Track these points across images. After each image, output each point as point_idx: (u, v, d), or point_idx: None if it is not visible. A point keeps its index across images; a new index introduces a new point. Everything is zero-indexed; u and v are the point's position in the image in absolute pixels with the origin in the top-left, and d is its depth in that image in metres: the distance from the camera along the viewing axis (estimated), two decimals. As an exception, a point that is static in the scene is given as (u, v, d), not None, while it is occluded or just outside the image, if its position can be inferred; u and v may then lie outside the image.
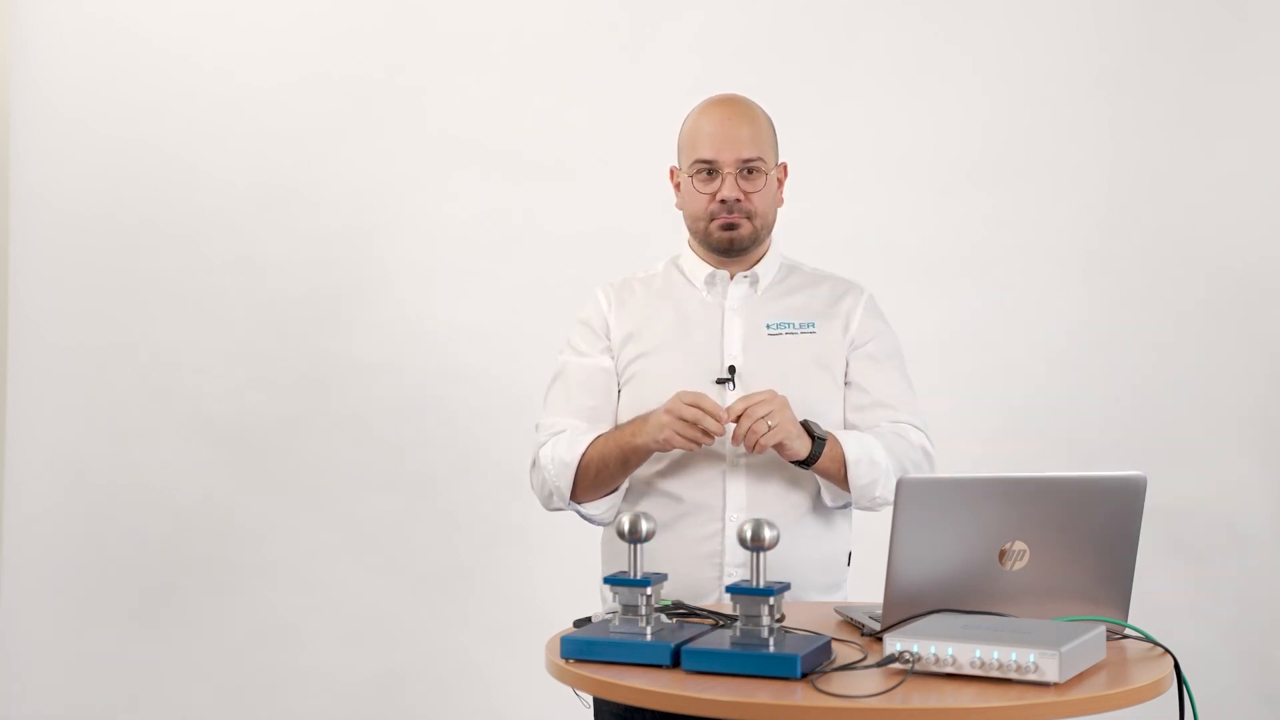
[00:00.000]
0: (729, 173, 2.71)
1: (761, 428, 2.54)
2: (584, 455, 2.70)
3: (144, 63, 4.17)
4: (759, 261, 2.79)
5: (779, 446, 2.58)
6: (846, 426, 2.75)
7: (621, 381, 2.78)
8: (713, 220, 2.73)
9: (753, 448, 2.57)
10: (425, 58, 4.17)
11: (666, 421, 2.58)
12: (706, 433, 2.57)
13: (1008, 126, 4.12)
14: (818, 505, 2.72)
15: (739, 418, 2.56)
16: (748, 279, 2.77)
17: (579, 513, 2.79)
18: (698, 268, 2.80)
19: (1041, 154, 4.11)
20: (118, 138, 4.17)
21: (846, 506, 2.75)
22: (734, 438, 2.58)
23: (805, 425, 2.62)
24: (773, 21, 4.13)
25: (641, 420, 2.66)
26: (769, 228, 2.77)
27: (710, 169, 2.72)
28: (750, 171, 2.71)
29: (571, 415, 2.77)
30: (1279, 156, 4.06)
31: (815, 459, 2.62)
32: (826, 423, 2.69)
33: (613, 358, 2.79)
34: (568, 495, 2.74)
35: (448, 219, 4.17)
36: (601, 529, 2.83)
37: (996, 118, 4.12)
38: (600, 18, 4.17)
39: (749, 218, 2.72)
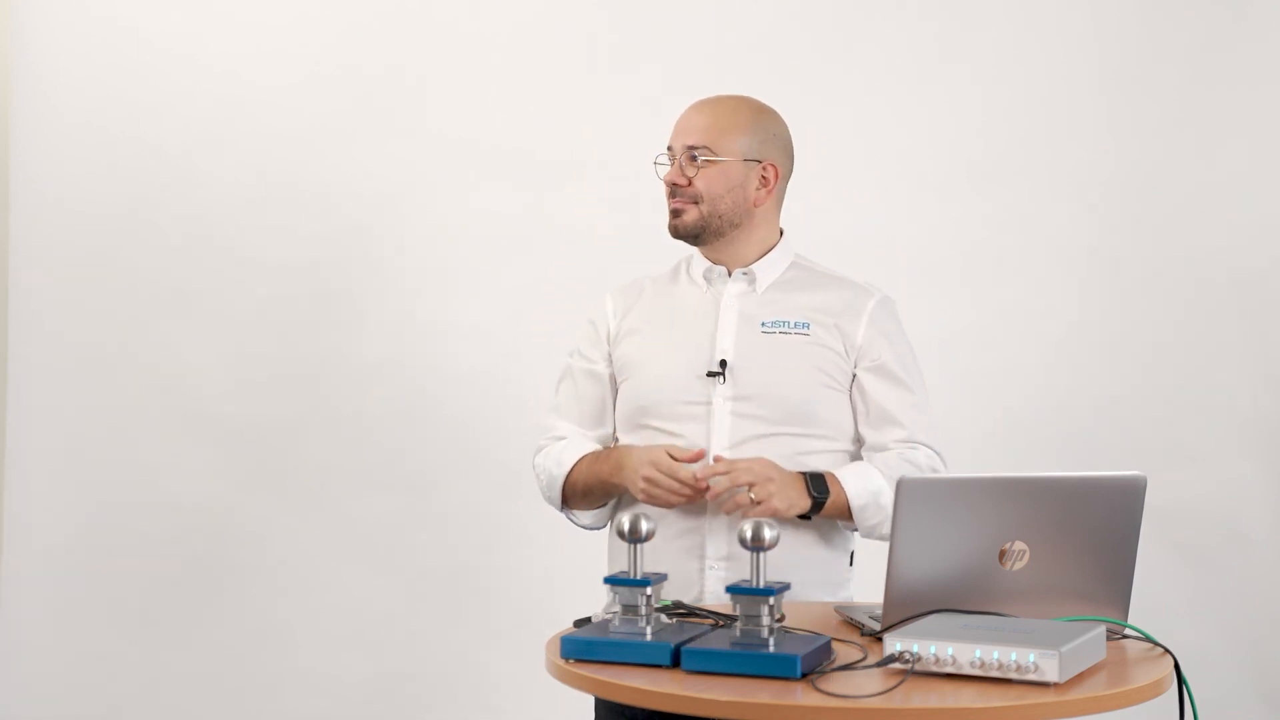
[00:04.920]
0: (676, 158, 2.76)
1: (744, 499, 2.56)
2: (570, 474, 2.77)
3: (145, 62, 4.16)
4: (760, 259, 2.79)
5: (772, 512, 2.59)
6: (860, 439, 2.75)
7: (618, 377, 2.81)
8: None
9: (731, 511, 2.60)
10: (427, 56, 4.16)
11: (642, 486, 2.64)
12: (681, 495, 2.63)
13: (1007, 127, 4.12)
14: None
15: (723, 474, 2.58)
16: (746, 276, 2.78)
17: (572, 520, 2.86)
18: (699, 263, 2.81)
19: (1041, 154, 4.11)
20: (119, 137, 4.17)
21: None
22: (710, 495, 2.60)
23: (805, 478, 2.62)
24: (774, 21, 4.13)
25: (619, 462, 2.70)
26: (726, 218, 2.75)
27: (671, 157, 2.78)
28: (695, 158, 2.73)
29: (573, 421, 2.84)
30: (1279, 158, 4.06)
31: (816, 511, 2.64)
32: (817, 424, 2.70)
33: (611, 363, 2.82)
34: (559, 506, 2.83)
35: (448, 219, 4.17)
36: (609, 528, 2.85)
37: (996, 118, 4.12)
38: (603, 18, 4.16)
39: (695, 203, 2.74)
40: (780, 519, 2.56)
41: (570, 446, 2.79)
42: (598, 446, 2.81)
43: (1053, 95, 4.10)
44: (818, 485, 2.63)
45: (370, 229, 4.17)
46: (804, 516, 2.64)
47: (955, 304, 4.08)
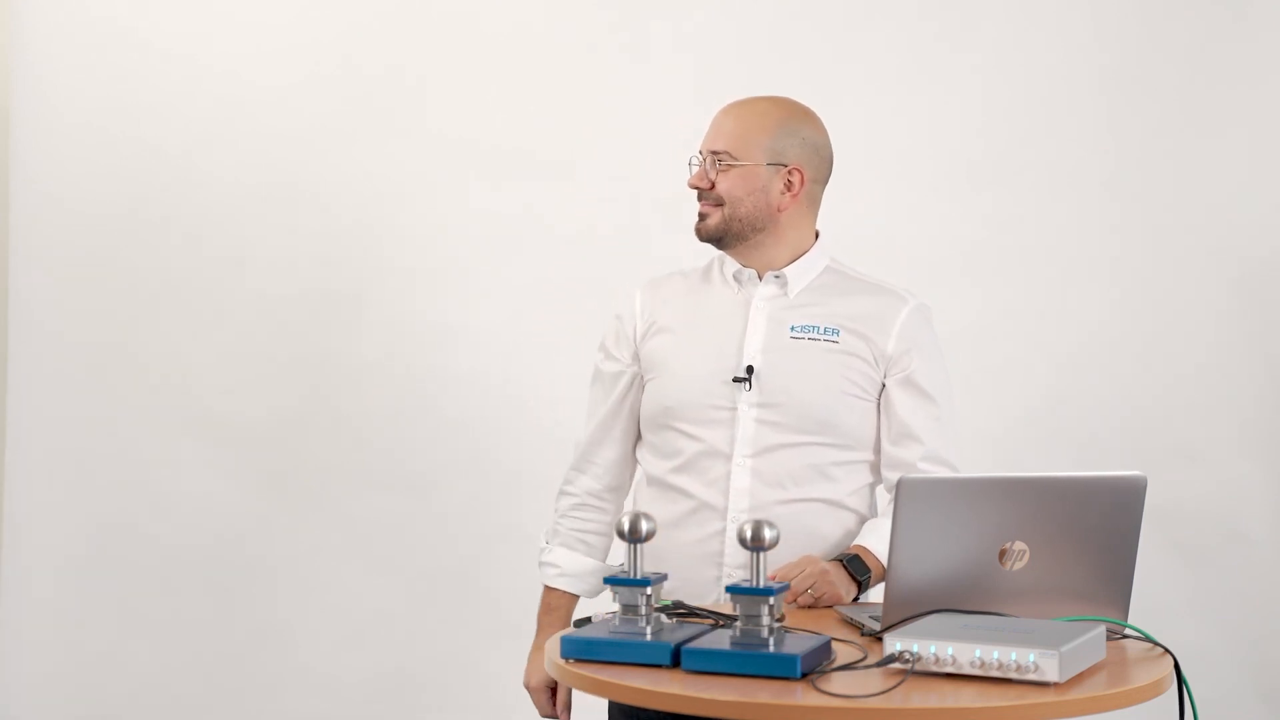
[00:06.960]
0: (703, 162, 2.73)
1: (806, 600, 2.54)
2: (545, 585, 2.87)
3: (145, 62, 4.16)
4: (792, 262, 2.76)
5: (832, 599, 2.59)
6: (881, 452, 2.73)
7: (645, 375, 2.79)
8: None
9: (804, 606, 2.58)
10: (427, 56, 4.16)
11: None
12: None
13: (1008, 126, 4.12)
14: (822, 507, 2.71)
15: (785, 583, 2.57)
16: (777, 280, 2.75)
17: None
18: (731, 264, 2.78)
19: (1041, 154, 4.11)
20: (119, 137, 4.17)
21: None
22: (788, 597, 2.54)
23: (844, 564, 2.60)
24: (774, 21, 4.13)
25: (532, 656, 2.81)
26: (747, 221, 2.71)
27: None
28: (719, 161, 2.71)
29: (603, 428, 2.82)
30: (1279, 156, 4.06)
31: (864, 589, 2.63)
32: (841, 434, 2.69)
33: (637, 361, 2.80)
34: None
35: (448, 219, 4.17)
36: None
37: (997, 117, 4.12)
38: (603, 19, 4.16)
39: (718, 205, 2.72)
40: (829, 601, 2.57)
41: (560, 563, 2.84)
42: (588, 569, 2.83)
43: (1053, 95, 4.10)
44: (856, 567, 2.60)
45: (370, 229, 4.17)
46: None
47: (955, 304, 4.05)
